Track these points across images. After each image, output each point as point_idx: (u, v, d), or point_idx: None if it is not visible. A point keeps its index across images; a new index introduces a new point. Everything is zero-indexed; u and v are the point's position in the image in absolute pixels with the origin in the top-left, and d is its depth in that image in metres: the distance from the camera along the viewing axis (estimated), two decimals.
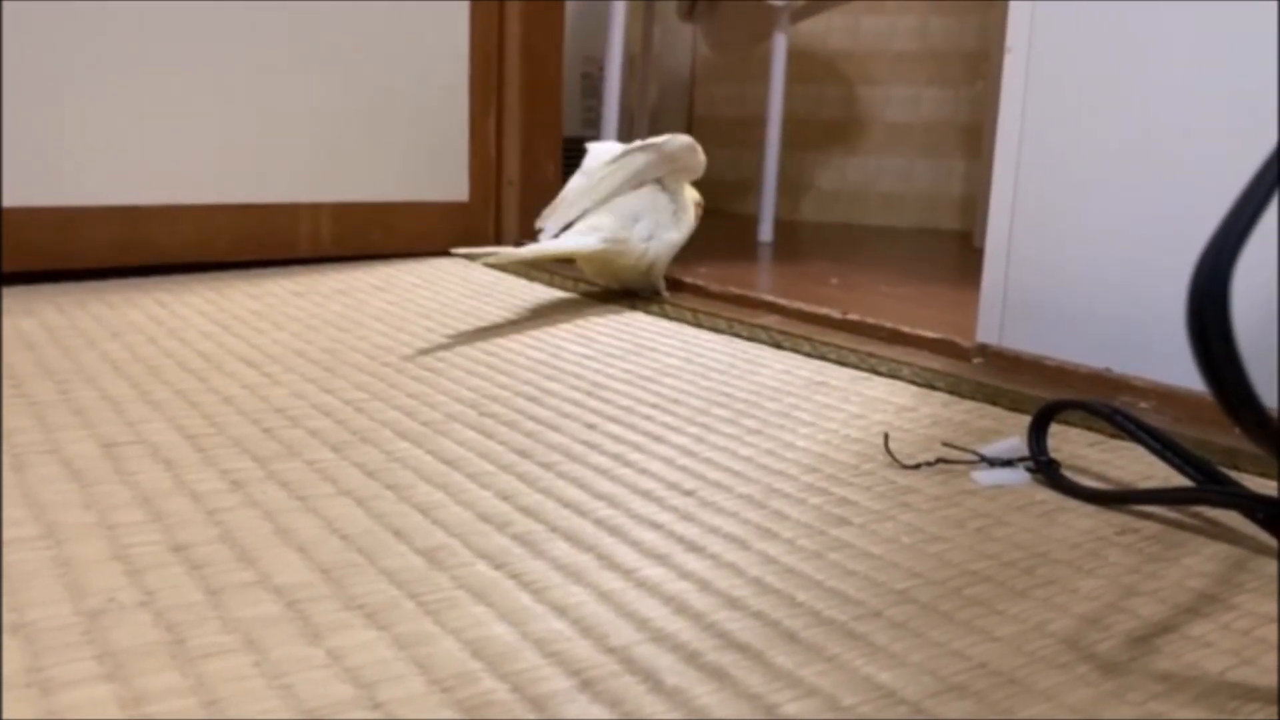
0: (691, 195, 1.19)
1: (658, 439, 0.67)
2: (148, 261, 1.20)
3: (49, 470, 0.58)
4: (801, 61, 1.94)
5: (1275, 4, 0.71)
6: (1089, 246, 0.83)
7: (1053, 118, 0.85)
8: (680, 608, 0.45)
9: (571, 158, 1.72)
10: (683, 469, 0.62)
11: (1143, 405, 0.78)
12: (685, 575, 0.48)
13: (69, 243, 1.16)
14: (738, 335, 0.98)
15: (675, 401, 0.76)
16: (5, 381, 0.75)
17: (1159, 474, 0.63)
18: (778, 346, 0.94)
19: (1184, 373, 0.77)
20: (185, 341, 0.89)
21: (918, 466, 0.64)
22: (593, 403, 0.75)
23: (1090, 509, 0.58)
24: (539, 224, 1.13)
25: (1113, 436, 0.70)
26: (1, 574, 0.45)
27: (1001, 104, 0.88)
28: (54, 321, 0.95)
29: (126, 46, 1.17)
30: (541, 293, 1.18)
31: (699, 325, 1.02)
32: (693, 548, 0.51)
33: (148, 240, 1.20)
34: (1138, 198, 0.80)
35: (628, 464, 0.63)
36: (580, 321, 1.03)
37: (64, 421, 0.66)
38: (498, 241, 1.48)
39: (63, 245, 1.15)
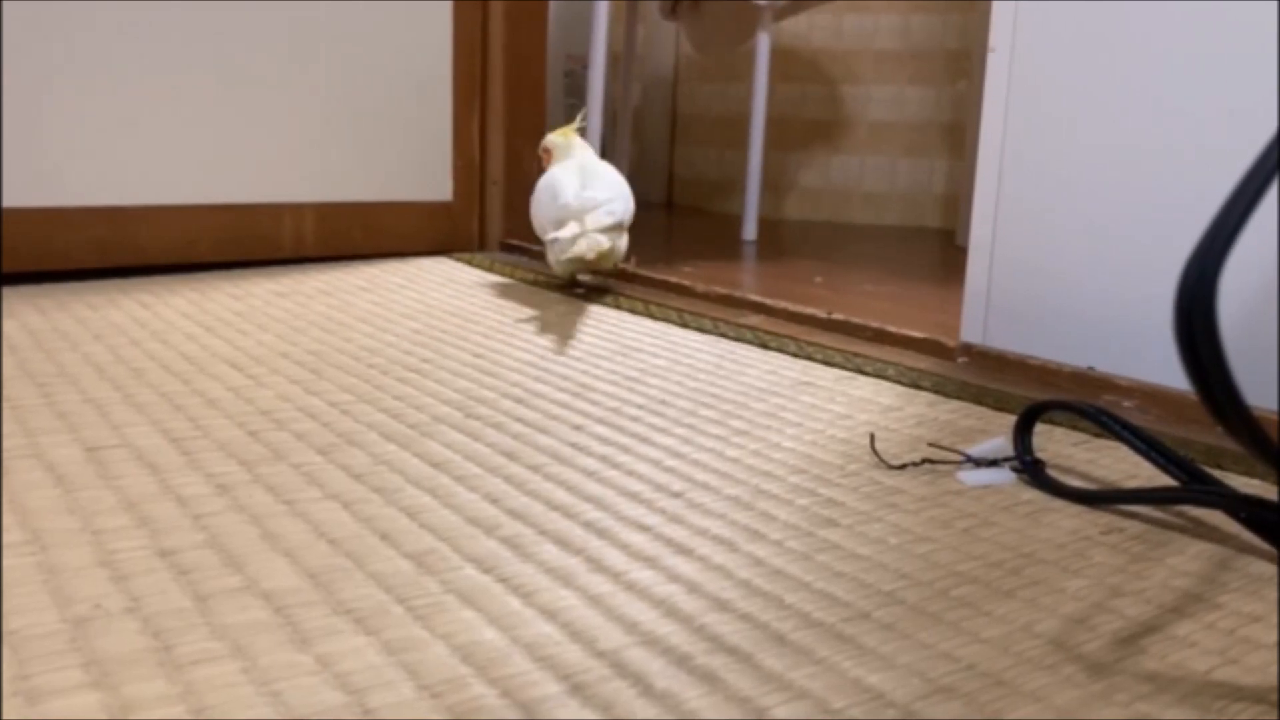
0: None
1: (645, 440, 0.67)
2: (130, 263, 1.20)
3: (32, 475, 0.57)
4: (784, 60, 1.94)
5: (1261, 3, 0.71)
6: (1072, 246, 0.84)
7: (1036, 117, 0.86)
8: (670, 610, 0.45)
9: None
10: (670, 471, 0.62)
11: (1126, 404, 0.79)
12: (674, 578, 0.48)
13: (50, 244, 1.15)
14: (724, 335, 0.98)
15: (662, 403, 0.76)
16: None
17: (1143, 473, 0.64)
18: (764, 347, 0.94)
19: (1167, 372, 0.77)
20: (169, 343, 0.88)
21: (904, 467, 0.64)
22: (580, 404, 0.75)
23: (1076, 509, 0.59)
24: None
25: (1097, 436, 0.71)
26: (1, 578, 0.45)
27: (985, 104, 0.89)
28: (35, 324, 0.94)
29: (109, 47, 1.16)
30: (526, 292, 1.18)
31: (685, 326, 1.02)
32: (681, 550, 0.51)
33: (130, 241, 1.20)
34: (1121, 197, 0.81)
35: (615, 466, 0.63)
36: (566, 322, 1.03)
37: (47, 425, 0.66)
38: (481, 241, 1.48)
39: (44, 246, 1.14)
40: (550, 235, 1.11)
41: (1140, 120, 0.79)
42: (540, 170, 1.20)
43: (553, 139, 1.21)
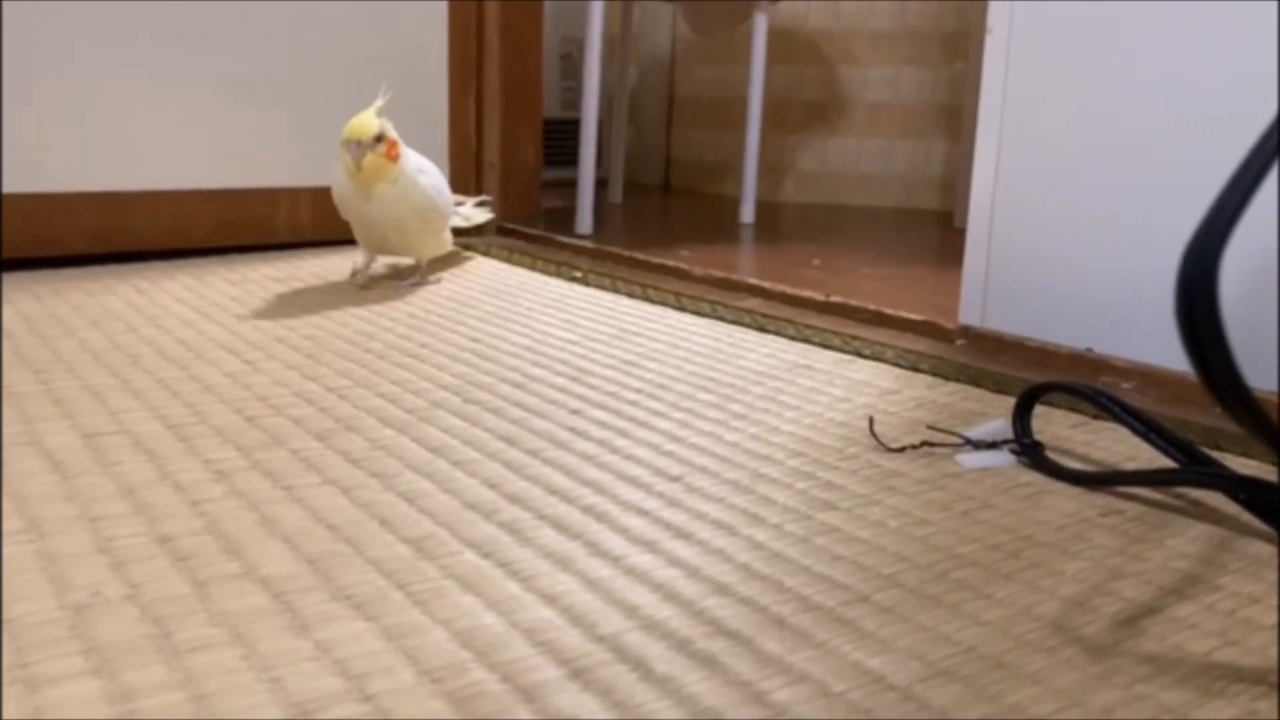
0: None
1: (643, 424, 0.67)
2: (126, 248, 1.19)
3: (30, 463, 0.57)
4: (782, 42, 1.93)
5: None
6: (1071, 227, 0.84)
7: (1034, 99, 0.85)
8: (669, 595, 0.45)
9: (551, 140, 1.71)
10: (669, 454, 0.62)
11: (1124, 386, 0.79)
12: (673, 562, 0.48)
13: (46, 230, 1.14)
14: (721, 319, 0.98)
15: (660, 387, 0.76)
16: None
17: (1142, 455, 0.64)
18: (761, 330, 0.94)
19: (1165, 353, 0.77)
20: (165, 329, 0.88)
21: (903, 450, 0.64)
22: (578, 388, 0.75)
23: (1074, 491, 0.59)
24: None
25: (1096, 418, 0.71)
26: (1, 567, 0.45)
27: (983, 85, 0.88)
28: (32, 310, 0.94)
29: (104, 33, 1.15)
30: (523, 276, 1.17)
31: (682, 309, 1.02)
32: (680, 534, 0.51)
33: (126, 227, 1.19)
34: (1121, 178, 0.80)
35: (614, 450, 0.62)
36: (563, 306, 1.03)
37: (44, 412, 0.66)
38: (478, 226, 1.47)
39: (40, 232, 1.14)
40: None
41: (1139, 101, 0.79)
42: (392, 157, 1.04)
43: (387, 127, 1.03)
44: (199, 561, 0.46)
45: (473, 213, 1.31)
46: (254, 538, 0.49)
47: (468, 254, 1.28)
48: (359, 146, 1.01)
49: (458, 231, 1.26)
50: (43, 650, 0.39)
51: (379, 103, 1.04)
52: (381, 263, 1.19)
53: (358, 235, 1.10)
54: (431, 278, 1.14)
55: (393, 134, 1.04)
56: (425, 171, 1.09)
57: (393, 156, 1.04)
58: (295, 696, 0.36)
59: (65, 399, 0.69)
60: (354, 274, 1.12)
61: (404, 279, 1.13)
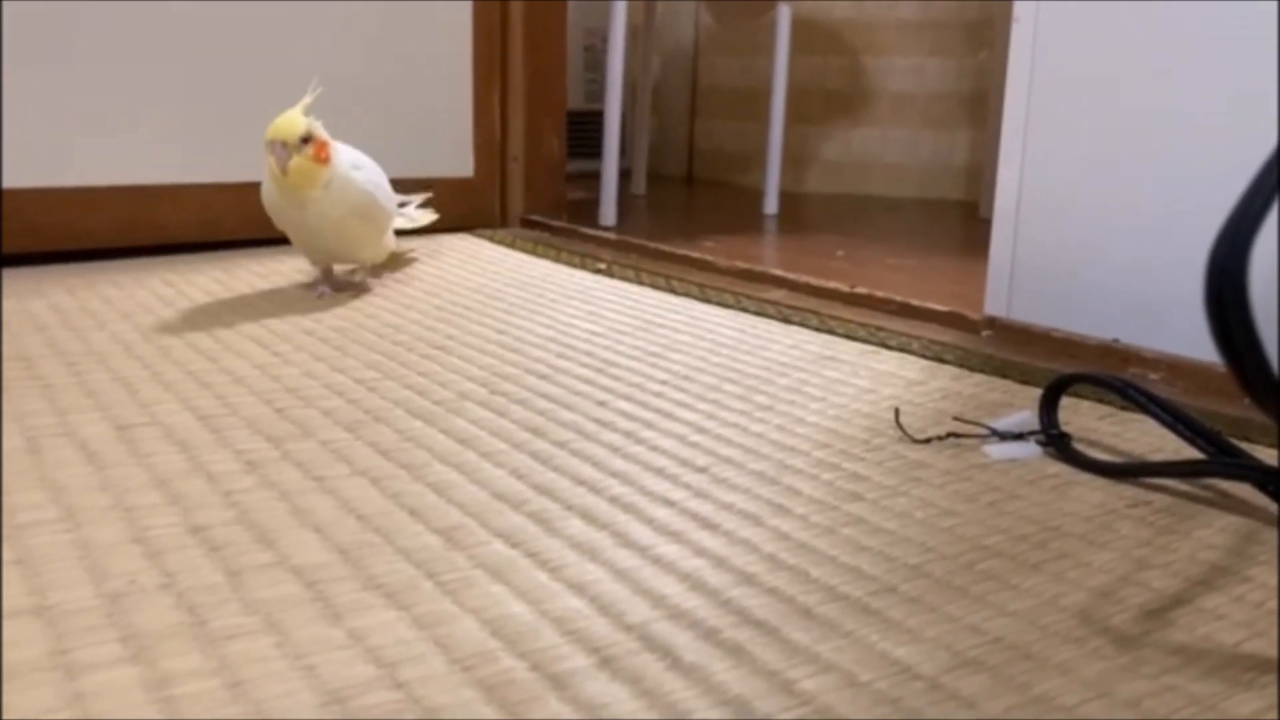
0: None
1: (669, 416, 0.68)
2: (154, 241, 1.20)
3: (65, 453, 0.58)
4: (805, 32, 1.92)
5: None
6: (1097, 218, 0.83)
7: (1060, 89, 0.85)
8: (696, 585, 0.45)
9: (575, 132, 1.71)
10: (695, 446, 0.62)
11: (1152, 377, 0.78)
12: (700, 552, 0.48)
13: (75, 223, 1.15)
14: (745, 310, 0.98)
15: (685, 378, 0.76)
16: (17, 364, 0.75)
17: (1169, 446, 0.63)
18: (786, 321, 0.94)
19: (1193, 343, 0.77)
20: (194, 322, 0.89)
21: (929, 441, 0.64)
22: (603, 380, 0.75)
23: (1101, 482, 0.59)
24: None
25: (1123, 409, 0.70)
26: (1, 561, 0.46)
27: (1009, 76, 0.88)
28: (63, 303, 0.95)
29: (130, 26, 1.16)
30: (547, 269, 1.18)
31: (707, 300, 1.02)
32: (707, 524, 0.51)
33: (154, 220, 1.20)
34: (1146, 169, 0.80)
35: (640, 441, 0.63)
36: (587, 297, 1.03)
37: (77, 404, 0.67)
38: (503, 218, 1.48)
39: (69, 226, 1.15)
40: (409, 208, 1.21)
41: (1166, 90, 0.78)
42: (321, 159, 0.94)
43: (315, 126, 0.94)
44: (232, 551, 0.47)
45: (417, 213, 1.23)
46: (286, 528, 0.49)
47: (412, 255, 1.24)
48: (284, 148, 0.91)
49: (401, 233, 1.18)
50: (81, 637, 0.39)
51: (307, 99, 0.95)
52: (339, 270, 1.09)
53: (296, 244, 1.02)
54: (369, 279, 1.06)
55: (322, 134, 0.94)
56: (360, 166, 1.00)
57: (322, 159, 0.94)
58: (329, 684, 0.37)
59: (98, 390, 0.69)
60: (313, 287, 1.03)
61: (340, 284, 1.04)
